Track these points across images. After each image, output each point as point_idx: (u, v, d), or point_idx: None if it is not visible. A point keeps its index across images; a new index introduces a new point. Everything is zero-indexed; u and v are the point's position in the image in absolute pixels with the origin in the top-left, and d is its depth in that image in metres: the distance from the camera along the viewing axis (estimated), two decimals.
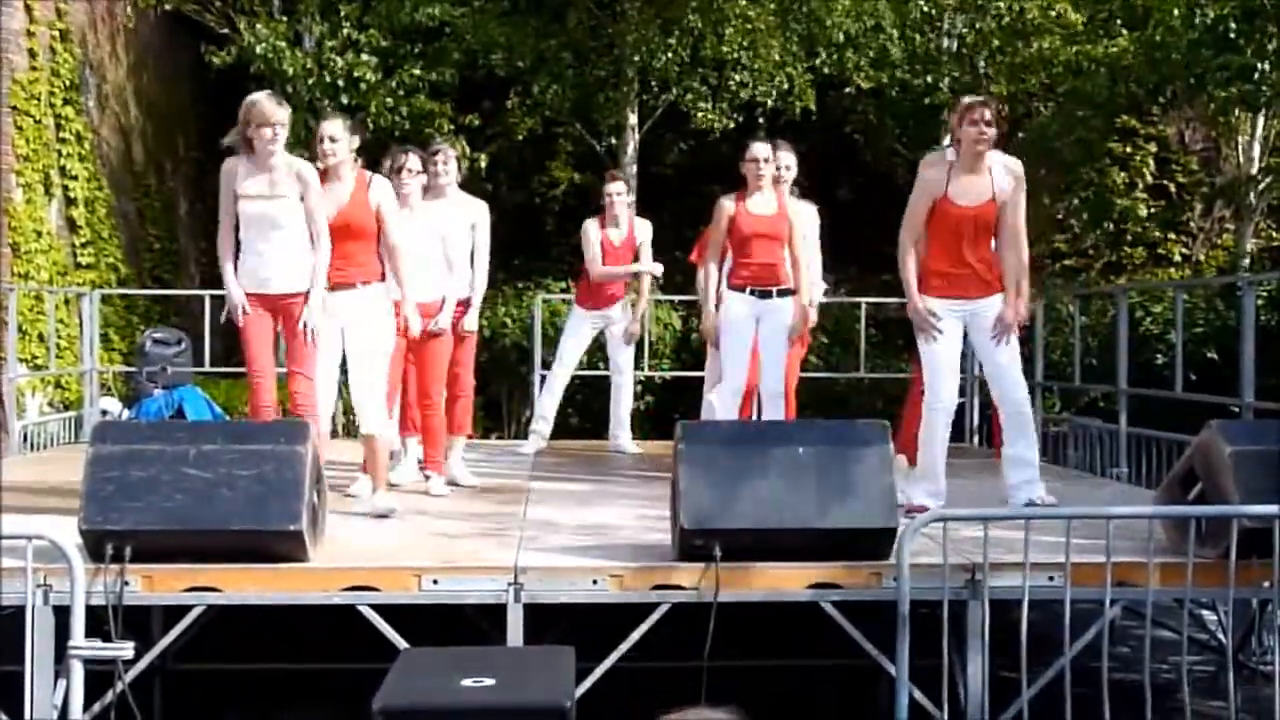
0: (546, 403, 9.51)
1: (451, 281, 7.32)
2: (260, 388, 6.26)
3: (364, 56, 13.90)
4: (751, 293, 7.50)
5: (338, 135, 6.50)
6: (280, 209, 6.16)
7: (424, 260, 7.03)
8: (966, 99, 6.57)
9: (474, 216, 7.62)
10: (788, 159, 7.91)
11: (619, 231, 9.02)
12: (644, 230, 9.18)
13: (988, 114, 6.29)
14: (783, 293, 7.53)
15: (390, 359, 6.72)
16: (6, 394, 10.55)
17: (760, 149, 7.54)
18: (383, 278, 6.57)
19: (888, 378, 12.89)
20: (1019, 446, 6.53)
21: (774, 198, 7.55)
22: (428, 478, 7.21)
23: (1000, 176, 6.36)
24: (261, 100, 6.20)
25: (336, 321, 6.43)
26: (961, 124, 6.32)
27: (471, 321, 7.55)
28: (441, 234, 7.25)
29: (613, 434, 9.67)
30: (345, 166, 6.55)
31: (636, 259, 9.17)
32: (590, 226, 9.12)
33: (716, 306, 7.61)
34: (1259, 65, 12.38)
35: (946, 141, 6.72)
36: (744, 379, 7.56)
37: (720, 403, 7.57)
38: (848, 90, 15.08)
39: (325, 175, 6.45)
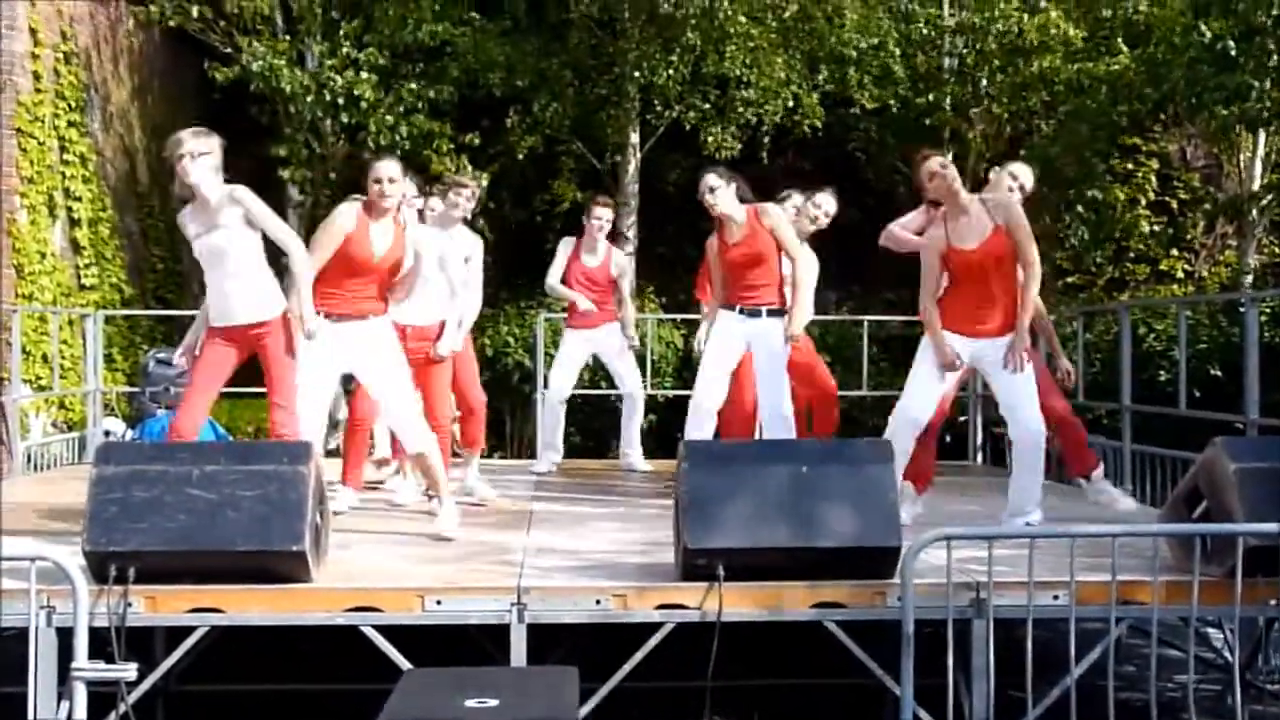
0: (549, 426, 9.47)
1: (451, 307, 7.43)
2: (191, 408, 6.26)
3: (363, 75, 13.94)
4: (741, 312, 7.41)
5: (396, 177, 6.40)
6: (223, 240, 6.09)
7: (424, 284, 7.03)
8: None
9: (470, 249, 7.79)
10: (828, 205, 7.95)
11: (594, 258, 8.99)
12: (621, 262, 9.17)
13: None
14: (773, 313, 7.39)
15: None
16: (10, 415, 10.55)
17: (703, 183, 7.40)
18: (385, 308, 6.59)
19: (892, 395, 12.86)
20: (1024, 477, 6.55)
21: (744, 220, 7.36)
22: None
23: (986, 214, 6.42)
24: (183, 135, 6.08)
25: (341, 350, 6.40)
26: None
27: (445, 346, 7.48)
28: (443, 260, 7.31)
29: (623, 452, 9.64)
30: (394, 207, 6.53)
31: (615, 289, 9.17)
32: (565, 244, 9.14)
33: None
34: (1256, 84, 12.40)
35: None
36: (717, 399, 7.44)
37: (691, 420, 7.47)
38: (852, 110, 15.11)
39: (370, 210, 6.41)
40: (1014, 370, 6.34)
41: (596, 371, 13.59)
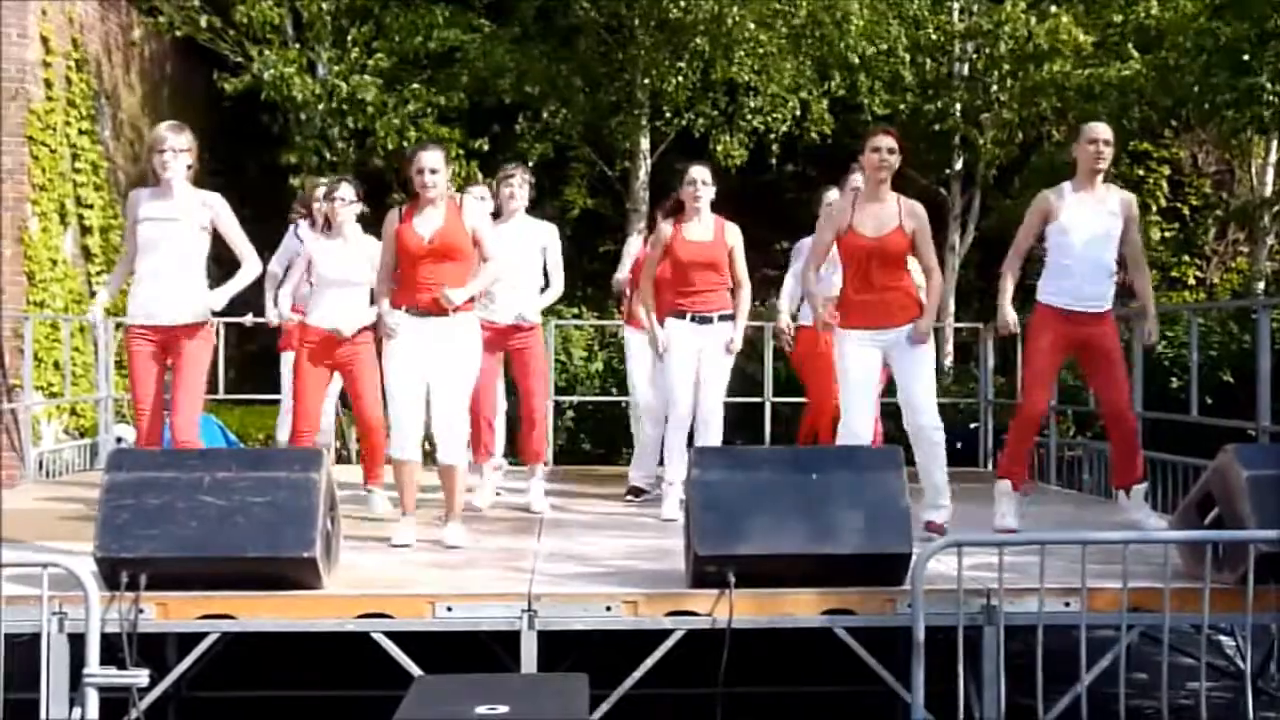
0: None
1: (522, 304, 7.46)
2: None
3: (367, 78, 13.97)
4: (693, 319, 7.33)
5: (439, 166, 6.31)
6: (175, 232, 6.27)
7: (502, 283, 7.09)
8: (879, 131, 6.64)
9: (544, 239, 7.70)
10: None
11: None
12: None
13: (892, 146, 6.46)
14: (724, 318, 7.37)
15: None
16: (23, 421, 10.59)
17: (698, 171, 7.35)
18: (471, 305, 6.49)
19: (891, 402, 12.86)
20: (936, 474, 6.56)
21: (711, 224, 7.35)
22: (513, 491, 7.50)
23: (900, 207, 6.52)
24: (164, 132, 6.35)
25: (420, 343, 6.31)
26: (874, 154, 6.45)
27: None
28: (514, 256, 7.28)
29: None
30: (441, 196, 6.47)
31: None
32: (633, 242, 8.96)
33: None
34: (1269, 86, 12.37)
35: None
36: (690, 405, 7.37)
37: (672, 433, 7.39)
38: (861, 116, 15.11)
39: (417, 203, 6.38)
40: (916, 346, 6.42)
41: (608, 378, 13.63)
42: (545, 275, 7.73)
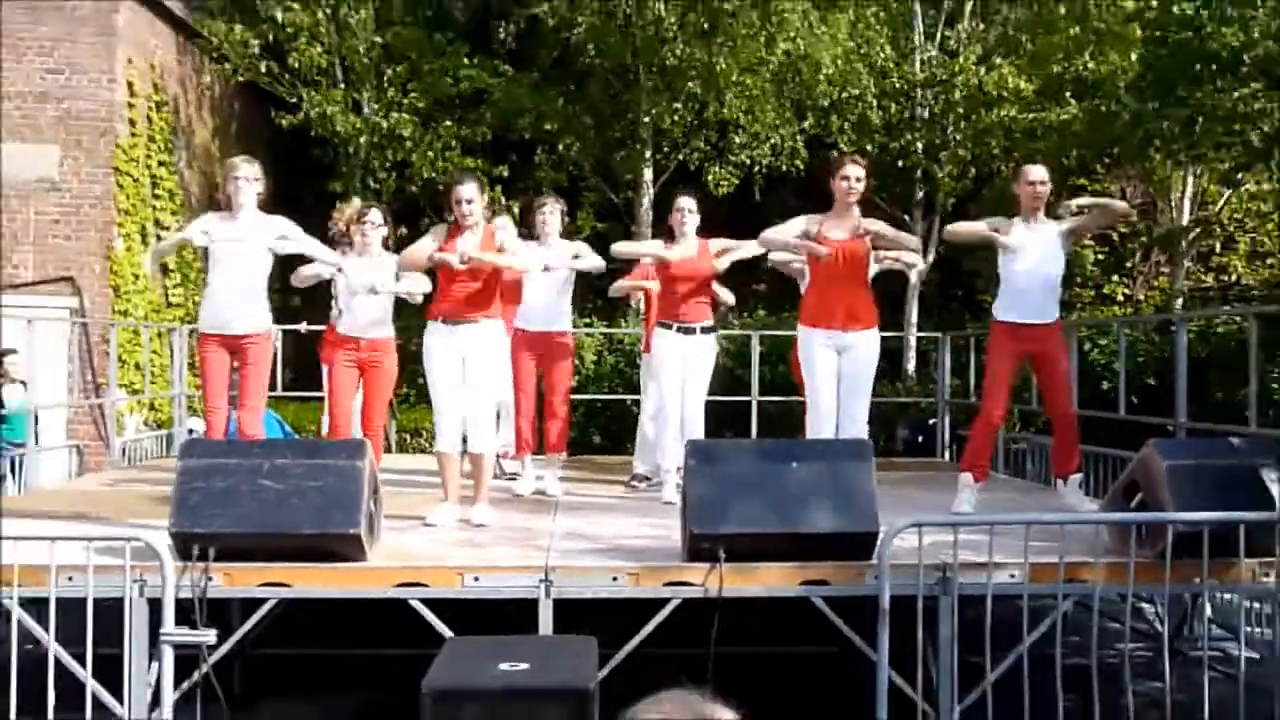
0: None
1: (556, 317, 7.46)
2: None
3: (405, 116, 14.00)
4: (678, 329, 7.33)
5: (474, 197, 6.28)
6: (245, 251, 6.30)
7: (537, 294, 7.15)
8: (847, 158, 6.64)
9: (575, 249, 7.62)
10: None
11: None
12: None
13: (859, 175, 6.43)
14: (705, 330, 7.38)
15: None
16: (109, 415, 10.60)
17: (685, 200, 7.44)
18: (497, 313, 6.47)
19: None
20: None
21: (695, 244, 7.37)
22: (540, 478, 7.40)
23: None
24: (238, 161, 6.43)
25: (456, 348, 6.26)
26: (842, 181, 6.42)
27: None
28: (547, 276, 7.30)
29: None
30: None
31: None
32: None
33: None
34: (1199, 119, 12.36)
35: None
36: (679, 405, 7.32)
37: (667, 437, 7.35)
38: (835, 152, 15.11)
39: (458, 228, 6.32)
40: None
41: (615, 378, 13.62)
42: (574, 287, 7.67)
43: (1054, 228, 6.46)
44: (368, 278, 6.98)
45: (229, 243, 6.27)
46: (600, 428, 13.39)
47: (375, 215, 7.24)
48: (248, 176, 6.33)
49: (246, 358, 6.31)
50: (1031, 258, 6.37)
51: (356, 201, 8.22)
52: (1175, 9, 12.42)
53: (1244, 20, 11.86)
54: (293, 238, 6.42)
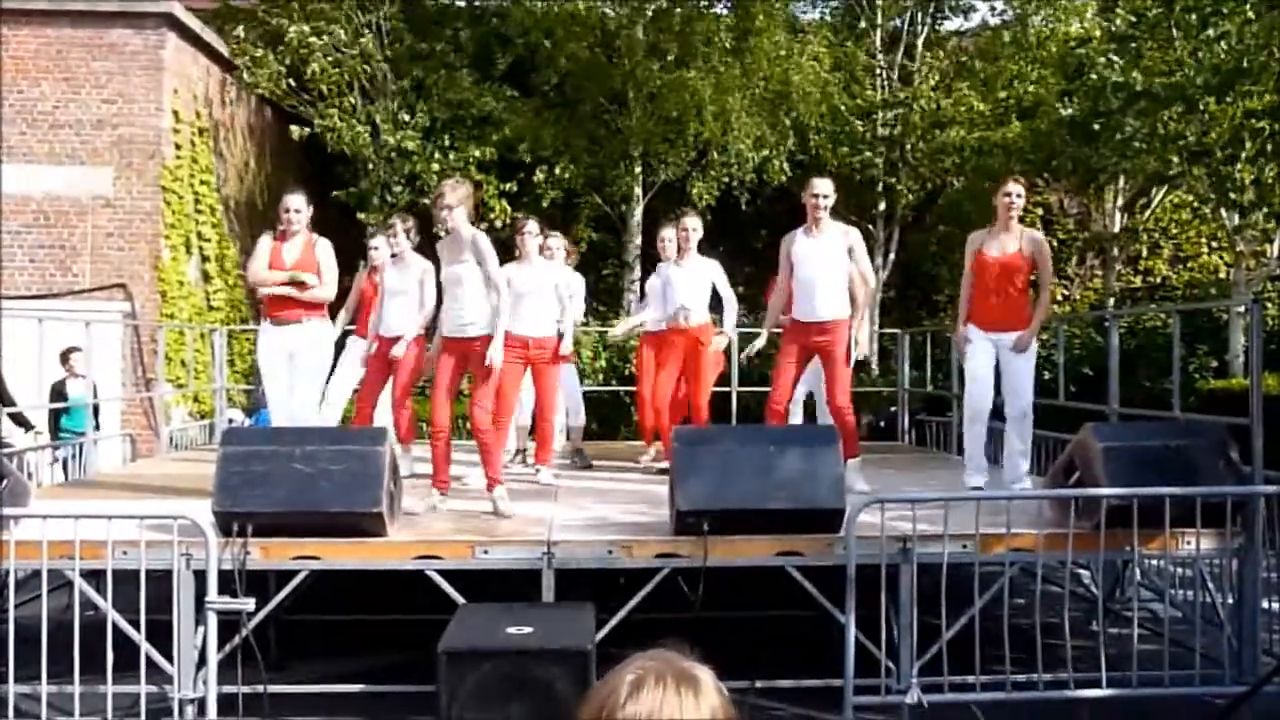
0: None
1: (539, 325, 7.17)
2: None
3: (410, 132, 13.91)
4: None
5: (301, 208, 6.66)
6: (462, 271, 5.96)
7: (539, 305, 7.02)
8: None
9: (567, 278, 7.54)
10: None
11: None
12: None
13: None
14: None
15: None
16: (157, 407, 10.56)
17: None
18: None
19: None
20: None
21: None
22: (538, 470, 7.16)
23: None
24: (444, 189, 5.94)
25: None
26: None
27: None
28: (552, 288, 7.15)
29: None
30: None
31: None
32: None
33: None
34: (1108, 155, 12.64)
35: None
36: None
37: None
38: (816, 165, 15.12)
39: (283, 234, 6.66)
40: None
41: (609, 374, 13.59)
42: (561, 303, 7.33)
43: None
44: (393, 318, 7.01)
45: (450, 266, 5.98)
46: (595, 417, 13.35)
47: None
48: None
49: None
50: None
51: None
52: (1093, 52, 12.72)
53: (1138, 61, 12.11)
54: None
